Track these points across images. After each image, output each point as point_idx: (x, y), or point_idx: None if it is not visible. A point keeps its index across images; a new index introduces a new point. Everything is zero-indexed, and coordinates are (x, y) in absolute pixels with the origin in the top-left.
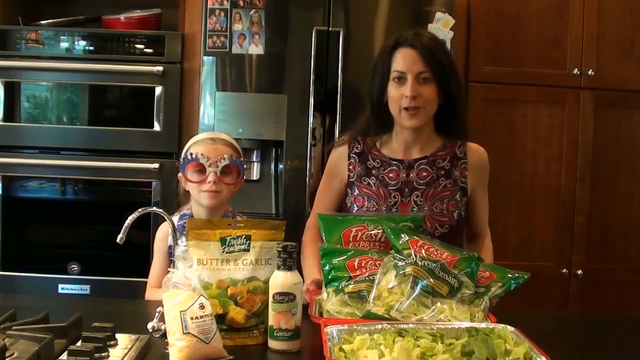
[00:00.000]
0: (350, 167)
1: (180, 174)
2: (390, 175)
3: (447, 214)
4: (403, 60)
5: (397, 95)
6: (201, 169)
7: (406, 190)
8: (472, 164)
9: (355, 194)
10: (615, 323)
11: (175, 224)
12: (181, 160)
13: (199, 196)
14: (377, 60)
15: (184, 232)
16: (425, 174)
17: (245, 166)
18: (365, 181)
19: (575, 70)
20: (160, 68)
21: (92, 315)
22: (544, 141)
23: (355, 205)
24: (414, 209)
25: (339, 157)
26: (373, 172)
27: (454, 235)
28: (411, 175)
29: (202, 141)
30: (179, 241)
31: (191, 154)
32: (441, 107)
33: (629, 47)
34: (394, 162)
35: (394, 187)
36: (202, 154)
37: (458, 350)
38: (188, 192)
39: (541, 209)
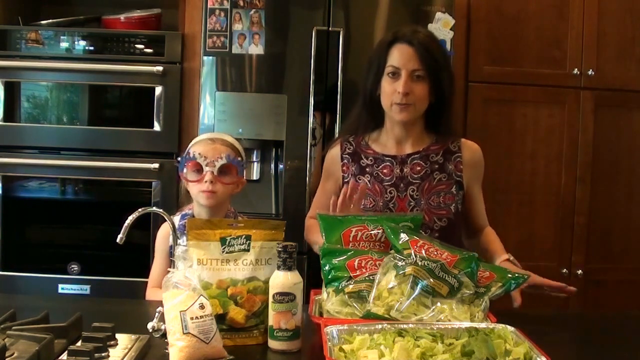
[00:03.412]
0: (344, 167)
1: (182, 174)
2: (385, 171)
3: (444, 207)
4: (399, 56)
5: (390, 90)
6: (199, 169)
7: (401, 185)
8: (466, 159)
9: None
10: (615, 323)
11: (177, 223)
12: (179, 159)
13: (197, 196)
14: (374, 54)
15: (185, 231)
16: (419, 168)
17: (244, 166)
18: (360, 179)
19: (575, 70)
20: (160, 68)
21: (92, 315)
22: (544, 141)
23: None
24: (411, 204)
25: (332, 158)
26: (367, 169)
27: (453, 229)
28: (405, 170)
29: (203, 141)
30: (179, 241)
31: (189, 153)
32: (432, 105)
33: (629, 47)
34: (387, 158)
35: (389, 183)
36: (199, 154)
37: (458, 350)
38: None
39: (541, 209)
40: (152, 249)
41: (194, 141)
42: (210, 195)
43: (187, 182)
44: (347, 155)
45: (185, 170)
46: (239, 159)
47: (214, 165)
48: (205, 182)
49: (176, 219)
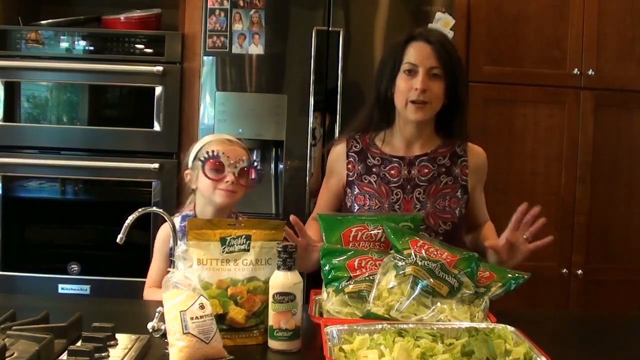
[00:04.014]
0: (350, 166)
1: (187, 171)
2: (392, 172)
3: (449, 210)
4: (417, 53)
5: (406, 88)
6: (219, 168)
7: (408, 187)
8: (472, 164)
9: (355, 192)
10: (615, 323)
11: (178, 225)
12: (200, 156)
13: (214, 194)
14: (388, 53)
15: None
16: (426, 170)
17: (261, 171)
18: (366, 179)
19: (575, 70)
20: (160, 68)
21: (92, 315)
22: (544, 141)
23: (356, 204)
24: (417, 206)
25: (337, 156)
26: (374, 169)
27: (456, 233)
28: (412, 172)
29: (220, 141)
30: (180, 243)
31: (213, 152)
32: (444, 107)
33: (629, 47)
34: (395, 159)
35: (396, 184)
36: (222, 153)
37: (458, 350)
38: (192, 190)
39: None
40: (152, 249)
41: (207, 139)
42: (229, 194)
43: (205, 179)
44: (353, 154)
45: (205, 167)
46: (256, 164)
47: (236, 167)
48: (227, 182)
49: (176, 220)
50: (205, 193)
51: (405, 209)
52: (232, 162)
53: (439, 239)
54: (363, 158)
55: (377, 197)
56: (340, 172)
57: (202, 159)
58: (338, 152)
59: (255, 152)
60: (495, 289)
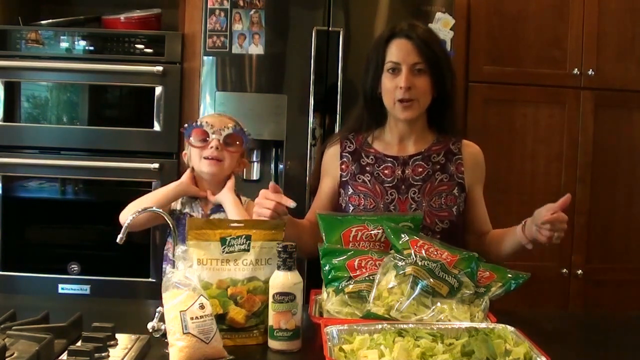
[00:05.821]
0: (343, 166)
1: (184, 152)
2: (385, 172)
3: (446, 208)
4: (398, 51)
5: (391, 87)
6: (205, 137)
7: (403, 187)
8: (467, 161)
9: (349, 193)
10: (615, 323)
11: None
12: (186, 126)
13: (200, 164)
14: (371, 51)
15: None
16: (420, 169)
17: (249, 138)
18: (359, 179)
19: (575, 70)
20: (160, 68)
21: (92, 315)
22: (544, 141)
23: (350, 204)
24: (412, 206)
25: (331, 156)
26: (367, 168)
27: (455, 231)
28: (407, 171)
29: (209, 115)
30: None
31: (196, 122)
32: (434, 101)
33: (629, 47)
34: (389, 159)
35: (390, 184)
36: (207, 122)
37: (458, 350)
38: (191, 169)
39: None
40: (152, 249)
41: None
42: (215, 162)
43: (191, 148)
44: (347, 154)
45: (191, 138)
46: (245, 130)
47: (220, 133)
48: (211, 147)
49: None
50: (195, 165)
51: (400, 209)
52: (216, 129)
53: (437, 237)
54: (357, 158)
55: (371, 197)
56: (333, 173)
57: (187, 129)
58: (331, 154)
59: (255, 152)
60: (495, 289)
